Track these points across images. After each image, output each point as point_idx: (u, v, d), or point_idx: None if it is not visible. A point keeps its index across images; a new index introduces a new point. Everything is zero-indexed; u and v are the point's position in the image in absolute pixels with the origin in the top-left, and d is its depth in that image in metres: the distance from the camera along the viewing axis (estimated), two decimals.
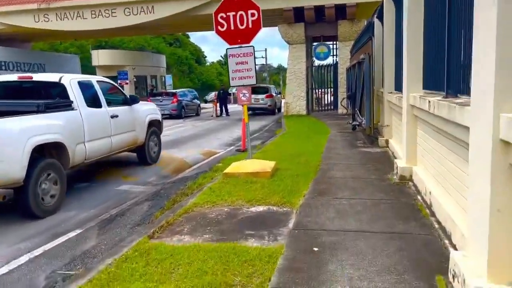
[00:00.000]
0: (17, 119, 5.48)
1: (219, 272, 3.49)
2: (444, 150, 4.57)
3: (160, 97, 22.63)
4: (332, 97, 24.67)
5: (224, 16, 7.04)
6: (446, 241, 3.96)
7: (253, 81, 7.27)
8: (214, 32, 7.08)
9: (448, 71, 4.45)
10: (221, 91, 24.64)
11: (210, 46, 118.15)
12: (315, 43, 23.06)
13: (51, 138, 5.91)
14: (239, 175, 6.92)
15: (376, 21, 10.66)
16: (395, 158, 8.35)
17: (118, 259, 3.88)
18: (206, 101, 32.66)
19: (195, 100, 25.54)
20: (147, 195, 6.78)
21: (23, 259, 4.34)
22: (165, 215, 5.32)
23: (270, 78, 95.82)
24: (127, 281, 3.43)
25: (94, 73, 27.27)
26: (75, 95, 6.81)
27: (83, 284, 3.42)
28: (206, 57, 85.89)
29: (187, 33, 77.42)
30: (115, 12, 21.09)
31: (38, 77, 7.37)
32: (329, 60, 23.96)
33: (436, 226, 4.40)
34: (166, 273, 3.52)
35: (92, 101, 7.23)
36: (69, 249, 4.57)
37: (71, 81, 6.92)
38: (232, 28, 7.04)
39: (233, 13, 6.97)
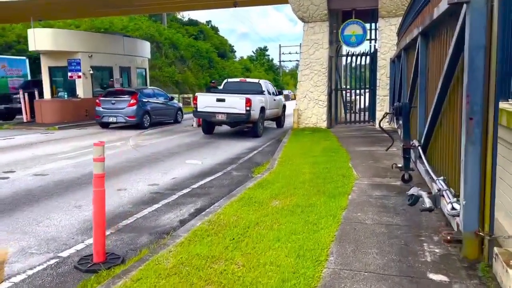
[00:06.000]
0: (256, 96, 13.48)
1: None
2: None
3: (113, 98, 15.76)
4: (369, 102, 17.04)
5: None
6: None
7: None
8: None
9: None
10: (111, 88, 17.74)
11: (251, 42, 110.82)
12: (344, 23, 15.48)
13: (263, 105, 13.74)
14: None
15: None
16: None
17: None
18: None
19: (172, 103, 18.45)
20: None
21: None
22: None
23: None
24: None
25: (37, 59, 20.81)
26: (264, 88, 14.80)
27: None
28: (235, 51, 79.36)
29: (216, 25, 71.36)
30: None
31: (248, 80, 16.86)
32: (365, 47, 16.57)
33: None
34: None
35: (268, 91, 14.97)
36: None
37: (261, 81, 15.52)
38: None
39: None
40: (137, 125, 15.80)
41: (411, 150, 6.43)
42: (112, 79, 18.25)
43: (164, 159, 9.55)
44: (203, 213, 5.34)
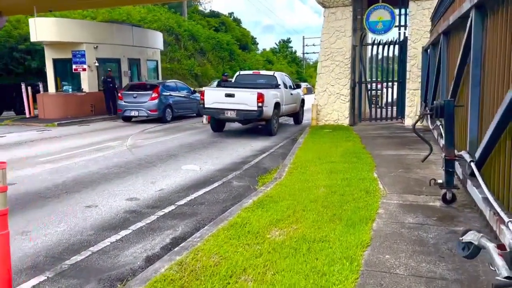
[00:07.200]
0: (270, 90, 12.16)
1: None
2: None
3: (134, 91, 15.10)
4: (397, 96, 15.34)
5: None
6: None
7: None
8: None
9: None
10: (109, 79, 16.76)
11: (276, 35, 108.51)
12: (369, 8, 13.81)
13: (278, 100, 12.35)
14: None
15: None
16: None
17: None
18: None
19: (195, 96, 17.28)
20: None
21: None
22: None
23: None
24: None
25: (42, 53, 19.83)
26: (280, 81, 13.38)
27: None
28: (257, 43, 77.67)
29: (238, 17, 69.79)
30: None
31: (262, 72, 14.99)
32: (393, 35, 14.83)
33: None
34: None
35: (284, 84, 13.61)
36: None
37: (276, 74, 13.96)
38: None
39: None
40: (159, 119, 15.35)
41: (456, 163, 4.94)
42: (109, 69, 17.04)
43: (157, 164, 8.28)
44: (177, 248, 4.02)
